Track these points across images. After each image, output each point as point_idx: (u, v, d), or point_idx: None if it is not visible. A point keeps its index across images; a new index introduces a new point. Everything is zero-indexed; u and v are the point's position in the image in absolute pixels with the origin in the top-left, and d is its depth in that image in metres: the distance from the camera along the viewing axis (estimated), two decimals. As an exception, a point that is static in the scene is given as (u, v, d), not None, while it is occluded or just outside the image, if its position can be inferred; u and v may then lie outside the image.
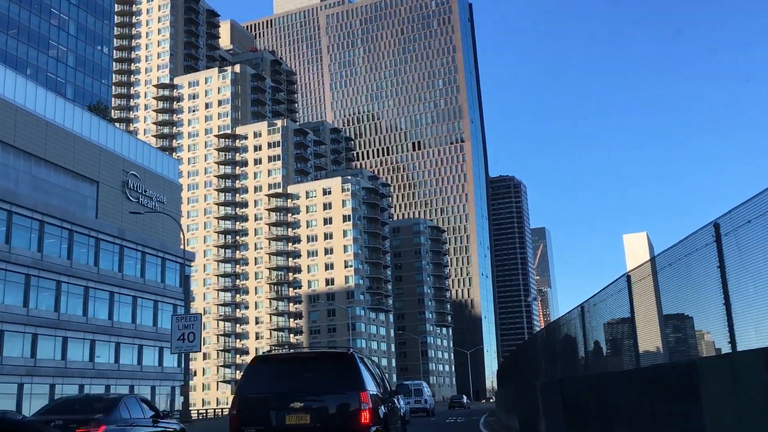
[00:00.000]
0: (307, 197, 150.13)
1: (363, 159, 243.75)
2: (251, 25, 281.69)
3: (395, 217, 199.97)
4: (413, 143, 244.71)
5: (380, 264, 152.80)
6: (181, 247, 64.74)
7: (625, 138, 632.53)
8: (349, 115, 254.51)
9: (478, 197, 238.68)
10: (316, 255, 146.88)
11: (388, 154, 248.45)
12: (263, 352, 11.62)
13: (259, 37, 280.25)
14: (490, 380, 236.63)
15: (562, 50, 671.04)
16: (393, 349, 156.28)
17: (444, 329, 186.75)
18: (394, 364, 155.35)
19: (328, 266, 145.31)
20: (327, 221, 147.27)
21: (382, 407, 10.82)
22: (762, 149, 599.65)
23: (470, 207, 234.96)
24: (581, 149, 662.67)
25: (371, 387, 10.51)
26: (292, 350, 15.07)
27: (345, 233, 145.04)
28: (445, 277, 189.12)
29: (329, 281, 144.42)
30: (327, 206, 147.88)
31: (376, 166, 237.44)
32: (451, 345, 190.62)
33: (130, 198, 72.09)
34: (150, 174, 76.16)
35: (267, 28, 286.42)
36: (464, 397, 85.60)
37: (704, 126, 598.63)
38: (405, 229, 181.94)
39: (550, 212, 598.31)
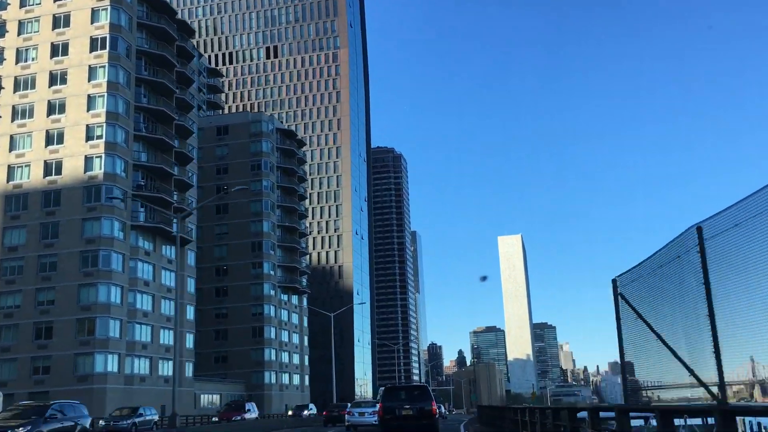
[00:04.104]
0: (22, 5, 74.91)
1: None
2: None
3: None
4: (268, 48, 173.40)
5: (170, 148, 79.37)
6: None
7: (497, 139, 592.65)
8: (178, 5, 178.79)
9: (355, 127, 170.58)
10: (31, 116, 71.85)
11: (231, 63, 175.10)
12: (388, 384, 33.90)
13: None
14: (361, 384, 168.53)
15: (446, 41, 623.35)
16: (192, 315, 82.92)
17: (295, 297, 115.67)
18: (190, 344, 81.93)
19: (53, 138, 70.73)
20: (59, 51, 72.74)
21: (438, 408, 29.38)
22: (634, 152, 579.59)
23: (344, 138, 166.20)
24: (457, 147, 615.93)
25: (433, 399, 26.75)
26: (400, 384, 36.03)
27: (93, 74, 71.13)
28: (301, 214, 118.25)
29: (53, 167, 69.98)
30: (62, 22, 73.39)
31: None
32: (305, 324, 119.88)
33: None
34: None
35: None
36: (442, 406, 70.97)
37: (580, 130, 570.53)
38: (237, 130, 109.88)
39: (421, 217, 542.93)
